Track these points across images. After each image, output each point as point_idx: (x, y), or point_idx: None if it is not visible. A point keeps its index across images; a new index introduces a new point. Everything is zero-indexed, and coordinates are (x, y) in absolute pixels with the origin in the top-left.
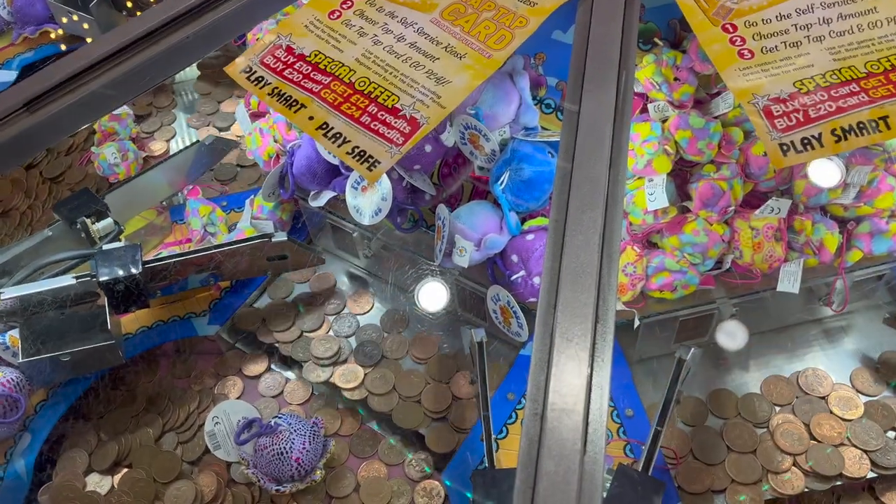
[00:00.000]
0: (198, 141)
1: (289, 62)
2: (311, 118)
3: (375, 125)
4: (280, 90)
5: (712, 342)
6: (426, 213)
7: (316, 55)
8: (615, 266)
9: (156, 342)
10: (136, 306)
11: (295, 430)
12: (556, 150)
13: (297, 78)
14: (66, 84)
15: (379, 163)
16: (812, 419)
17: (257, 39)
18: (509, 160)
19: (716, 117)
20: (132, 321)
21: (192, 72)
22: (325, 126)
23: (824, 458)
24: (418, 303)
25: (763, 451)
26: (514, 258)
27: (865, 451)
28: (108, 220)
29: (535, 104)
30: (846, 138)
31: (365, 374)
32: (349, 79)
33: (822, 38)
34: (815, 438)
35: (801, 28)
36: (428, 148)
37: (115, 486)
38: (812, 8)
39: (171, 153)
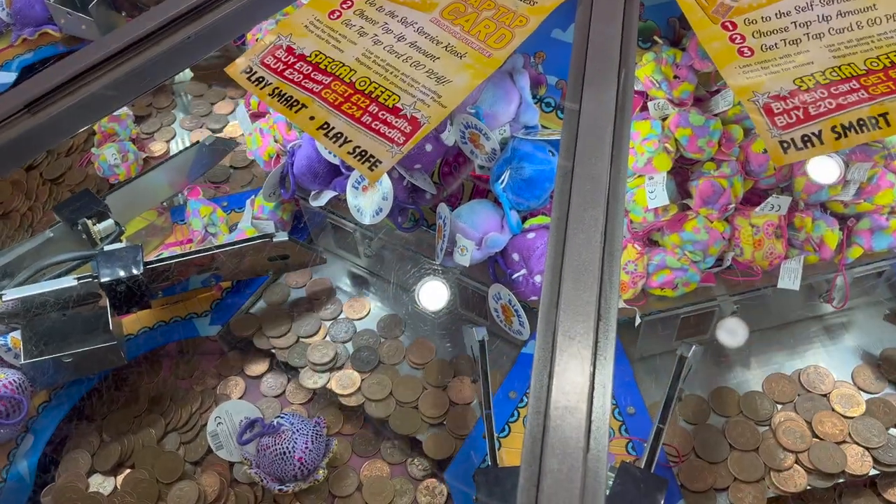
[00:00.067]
0: (198, 141)
1: (289, 62)
2: (311, 118)
3: (376, 125)
4: (281, 90)
5: (713, 339)
6: (427, 212)
7: (316, 55)
8: (617, 264)
9: (158, 343)
10: (138, 307)
11: (297, 430)
12: (556, 148)
13: (298, 78)
14: (66, 85)
15: (380, 162)
16: (814, 417)
17: (257, 40)
18: (510, 159)
19: (716, 115)
20: (134, 322)
21: (187, 73)
22: (326, 126)
23: (826, 455)
24: (419, 302)
25: (765, 448)
26: (516, 257)
27: (867, 449)
28: (109, 221)
29: (535, 103)
30: (846, 135)
31: (362, 380)
32: (350, 79)
33: (822, 35)
34: (817, 436)
35: (800, 25)
36: (428, 147)
37: (118, 487)
38: (811, 5)
39: (172, 154)
